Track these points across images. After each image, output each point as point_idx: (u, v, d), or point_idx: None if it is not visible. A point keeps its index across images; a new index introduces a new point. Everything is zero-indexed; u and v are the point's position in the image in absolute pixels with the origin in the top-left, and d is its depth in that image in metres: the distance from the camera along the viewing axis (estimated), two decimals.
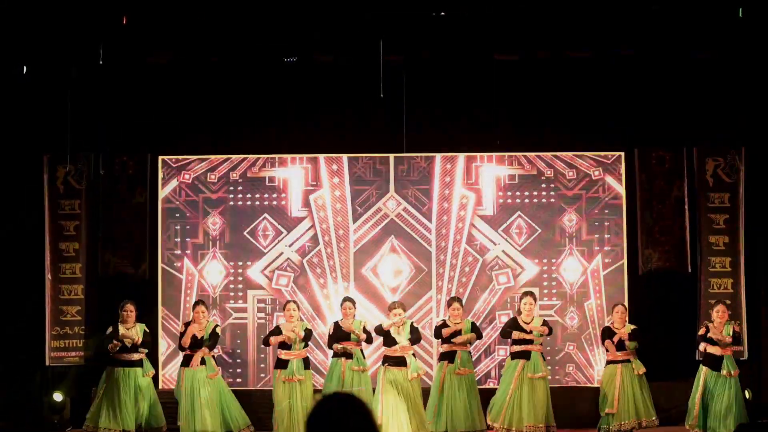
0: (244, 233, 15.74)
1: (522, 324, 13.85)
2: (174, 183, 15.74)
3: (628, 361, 14.00)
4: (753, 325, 15.44)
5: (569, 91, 15.32)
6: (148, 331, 14.26)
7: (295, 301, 14.35)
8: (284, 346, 13.79)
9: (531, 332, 13.80)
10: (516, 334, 13.88)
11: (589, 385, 15.42)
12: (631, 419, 13.87)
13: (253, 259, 15.72)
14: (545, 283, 15.71)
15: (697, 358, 14.23)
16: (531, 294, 14.19)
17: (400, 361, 13.66)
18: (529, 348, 13.83)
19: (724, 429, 13.31)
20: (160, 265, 15.63)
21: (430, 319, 15.54)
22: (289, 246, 15.71)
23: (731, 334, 13.73)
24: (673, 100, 15.24)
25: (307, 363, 13.89)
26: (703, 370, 13.68)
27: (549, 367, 14.36)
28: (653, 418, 13.97)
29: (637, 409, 13.90)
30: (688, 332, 15.03)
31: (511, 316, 14.73)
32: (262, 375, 15.60)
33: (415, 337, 13.90)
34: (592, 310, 15.61)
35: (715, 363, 13.63)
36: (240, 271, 15.74)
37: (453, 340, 13.81)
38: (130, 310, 14.11)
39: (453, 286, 15.63)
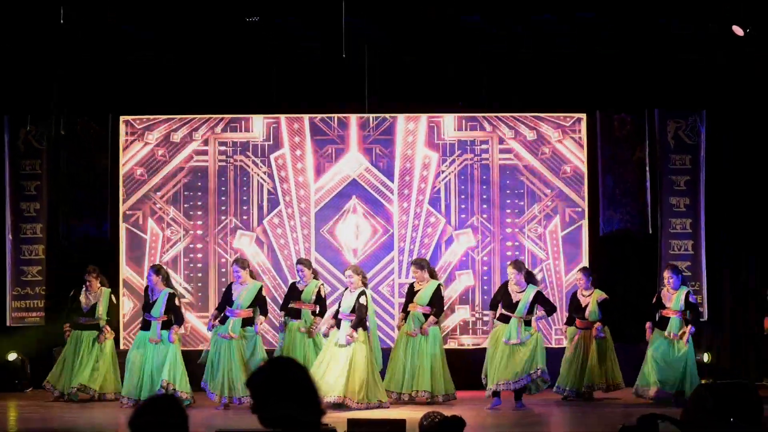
0: (207, 193, 15.73)
1: (512, 293, 13.52)
2: (135, 143, 15.70)
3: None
4: (713, 286, 15.53)
5: (532, 53, 15.29)
6: (114, 300, 14.39)
7: (238, 260, 14.09)
8: (229, 302, 13.60)
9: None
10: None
11: (549, 345, 15.45)
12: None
13: (210, 218, 15.76)
14: (508, 243, 15.73)
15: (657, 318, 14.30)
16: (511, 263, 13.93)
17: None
18: (510, 315, 13.49)
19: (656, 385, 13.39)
20: (121, 225, 15.60)
21: (392, 280, 15.58)
22: (246, 206, 15.74)
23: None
24: (635, 62, 15.25)
25: (248, 323, 13.54)
26: (656, 332, 13.77)
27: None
28: None
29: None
30: (649, 293, 15.10)
31: (471, 276, 14.78)
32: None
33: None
34: (550, 270, 15.65)
35: (662, 325, 13.71)
36: (200, 233, 15.76)
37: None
38: (92, 278, 14.14)
39: (415, 247, 15.65)
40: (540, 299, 13.60)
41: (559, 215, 15.73)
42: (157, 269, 13.77)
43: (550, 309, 13.71)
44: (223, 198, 15.75)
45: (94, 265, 14.47)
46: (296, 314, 14.07)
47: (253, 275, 13.99)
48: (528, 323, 13.46)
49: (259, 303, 13.63)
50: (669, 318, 13.66)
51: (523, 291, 13.47)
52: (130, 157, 15.69)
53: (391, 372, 13.76)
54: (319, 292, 14.08)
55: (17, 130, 15.43)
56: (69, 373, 14.00)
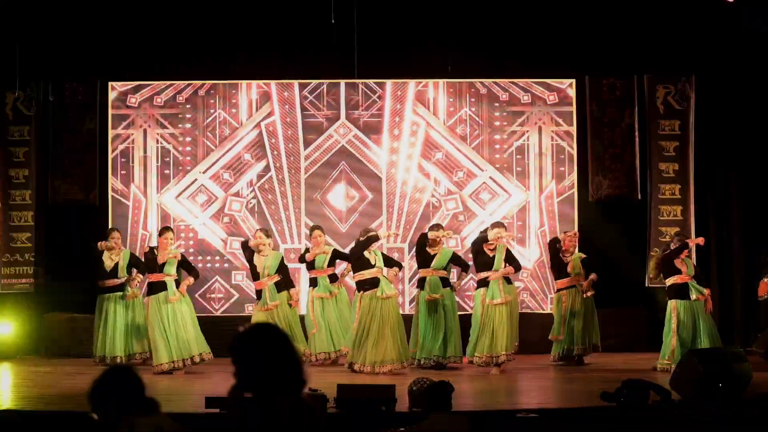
0: (196, 158, 15.74)
1: (487, 251, 13.44)
2: (123, 108, 15.68)
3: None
4: (702, 252, 15.54)
5: (520, 17, 15.25)
6: (132, 253, 14.25)
7: (263, 229, 14.12)
8: (255, 276, 13.70)
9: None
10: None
11: (541, 311, 15.48)
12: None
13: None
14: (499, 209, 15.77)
15: (647, 284, 14.25)
16: (499, 224, 13.84)
17: (374, 283, 13.22)
18: (488, 275, 13.37)
19: None
20: (110, 191, 15.59)
21: (381, 245, 15.58)
22: (232, 170, 15.74)
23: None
24: (624, 27, 15.21)
25: (279, 287, 13.65)
26: (672, 303, 13.51)
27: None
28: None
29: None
30: (638, 259, 15.16)
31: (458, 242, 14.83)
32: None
33: (396, 263, 13.83)
34: (545, 237, 15.65)
35: (681, 292, 13.58)
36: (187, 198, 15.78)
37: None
38: (114, 237, 14.02)
39: (403, 212, 15.68)
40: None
41: (554, 182, 15.74)
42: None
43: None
44: (213, 160, 15.74)
45: (82, 231, 14.50)
46: (313, 282, 14.21)
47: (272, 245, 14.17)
48: (509, 281, 13.51)
49: (282, 272, 13.74)
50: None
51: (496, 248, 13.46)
52: (117, 123, 15.67)
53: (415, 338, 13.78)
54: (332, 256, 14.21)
55: (5, 96, 15.37)
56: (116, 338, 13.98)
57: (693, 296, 13.36)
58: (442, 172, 15.78)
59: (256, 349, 4.22)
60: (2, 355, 14.98)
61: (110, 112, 15.63)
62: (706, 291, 13.47)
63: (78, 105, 15.45)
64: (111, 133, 15.62)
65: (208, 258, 15.68)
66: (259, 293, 13.67)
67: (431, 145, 15.77)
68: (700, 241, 14.07)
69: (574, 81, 15.72)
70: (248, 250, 13.75)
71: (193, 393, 11.54)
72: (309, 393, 9.65)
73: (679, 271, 13.50)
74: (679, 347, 13.12)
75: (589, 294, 14.07)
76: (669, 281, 13.55)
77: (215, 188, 15.73)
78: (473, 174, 15.78)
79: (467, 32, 15.32)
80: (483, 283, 13.42)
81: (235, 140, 15.74)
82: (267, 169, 15.74)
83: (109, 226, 15.28)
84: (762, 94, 15.37)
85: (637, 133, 15.53)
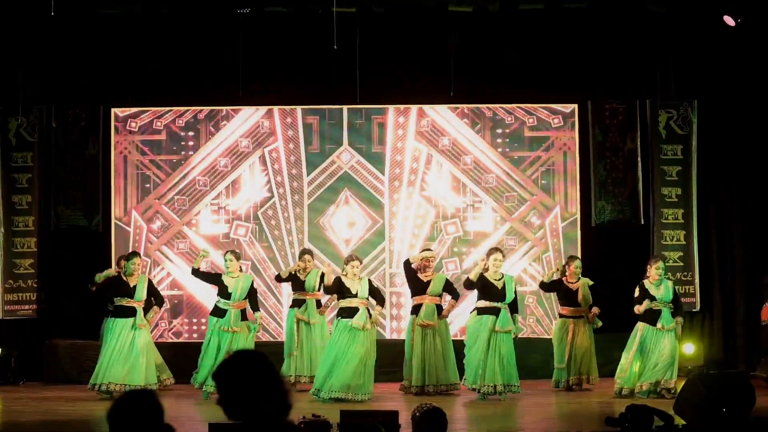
0: (199, 185, 15.74)
1: (493, 282, 13.34)
2: (125, 135, 15.71)
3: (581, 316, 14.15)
4: (704, 276, 15.53)
5: (522, 43, 15.30)
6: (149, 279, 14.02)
7: (233, 251, 14.04)
8: (226, 296, 13.64)
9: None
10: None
11: (546, 336, 15.43)
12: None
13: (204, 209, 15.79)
14: (502, 235, 15.76)
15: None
16: (499, 250, 13.75)
17: (351, 313, 13.15)
18: (499, 305, 13.30)
19: (651, 378, 13.26)
20: (113, 217, 15.58)
21: (383, 270, 15.60)
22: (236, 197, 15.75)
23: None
24: (627, 52, 15.26)
25: (244, 314, 13.64)
26: (639, 326, 13.55)
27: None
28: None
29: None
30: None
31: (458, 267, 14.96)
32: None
33: (380, 298, 13.59)
34: (550, 261, 15.64)
35: (651, 318, 13.55)
36: (193, 222, 15.79)
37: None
38: (137, 263, 13.68)
39: (406, 237, 15.68)
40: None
41: (559, 206, 15.75)
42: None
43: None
44: (215, 188, 15.75)
45: (85, 257, 14.50)
46: (300, 304, 14.19)
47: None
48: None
49: (252, 295, 13.69)
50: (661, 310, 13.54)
51: (503, 277, 13.44)
52: (119, 149, 15.70)
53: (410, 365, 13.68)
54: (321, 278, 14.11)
55: (8, 122, 15.39)
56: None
57: (659, 325, 13.37)
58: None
59: (240, 376, 4.21)
60: (5, 381, 14.91)
61: (113, 137, 15.65)
62: (677, 320, 13.49)
63: (80, 130, 15.46)
64: (113, 158, 15.64)
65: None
66: (224, 312, 13.58)
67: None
68: None
69: (576, 106, 15.74)
70: (207, 275, 13.96)
71: (192, 418, 11.53)
72: (312, 418, 9.64)
73: (653, 298, 13.50)
74: (633, 370, 13.29)
75: (597, 325, 14.06)
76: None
77: (218, 214, 15.75)
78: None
79: (470, 58, 15.34)
80: (486, 311, 13.33)
81: (238, 165, 15.75)
82: (270, 194, 15.75)
83: (113, 252, 15.33)
84: (764, 115, 15.40)
85: (639, 158, 15.54)
